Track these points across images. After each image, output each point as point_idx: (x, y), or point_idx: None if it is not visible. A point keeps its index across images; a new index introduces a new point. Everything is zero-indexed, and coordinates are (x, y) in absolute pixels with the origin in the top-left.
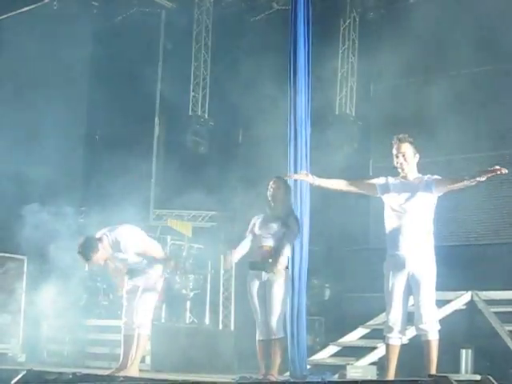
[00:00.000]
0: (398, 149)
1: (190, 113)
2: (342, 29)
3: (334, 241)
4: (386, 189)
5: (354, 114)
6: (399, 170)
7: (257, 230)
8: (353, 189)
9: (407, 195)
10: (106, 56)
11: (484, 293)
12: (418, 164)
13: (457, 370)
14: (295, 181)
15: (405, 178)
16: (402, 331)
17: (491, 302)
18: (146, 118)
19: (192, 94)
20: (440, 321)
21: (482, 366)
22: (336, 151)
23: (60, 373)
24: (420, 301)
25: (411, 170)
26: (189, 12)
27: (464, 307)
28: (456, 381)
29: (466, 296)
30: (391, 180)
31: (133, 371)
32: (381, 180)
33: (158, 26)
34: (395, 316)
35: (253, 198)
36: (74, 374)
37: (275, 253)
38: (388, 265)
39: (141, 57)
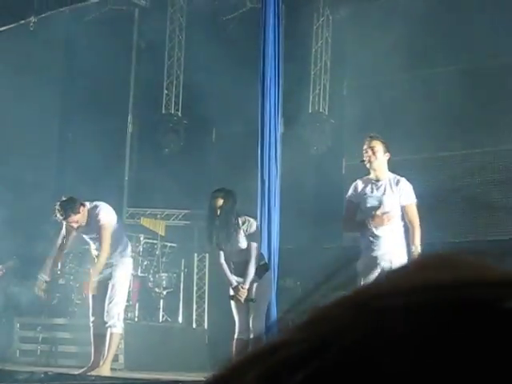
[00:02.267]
0: (369, 144)
1: (164, 111)
2: (315, 28)
3: (306, 238)
4: (358, 197)
5: (327, 112)
6: (367, 165)
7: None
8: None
9: (379, 195)
10: (80, 55)
11: None
12: (389, 162)
13: None
14: (262, 172)
15: (375, 178)
16: None
17: None
18: (119, 116)
19: (165, 92)
20: None
21: None
22: (309, 150)
23: (32, 372)
24: None
25: (380, 167)
26: (162, 10)
27: None
28: None
29: None
30: (360, 186)
31: (105, 370)
32: (353, 197)
33: (132, 24)
34: None
35: None
36: (45, 373)
37: (246, 268)
38: (361, 263)
39: (114, 55)
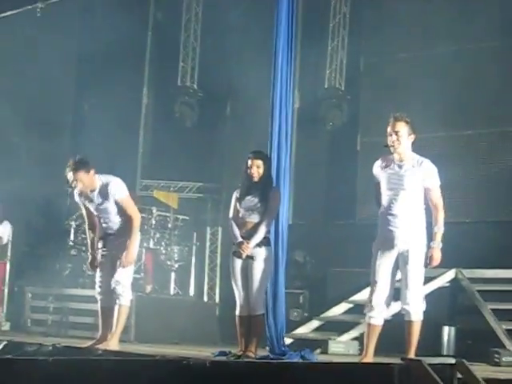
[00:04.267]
0: (393, 127)
1: (179, 83)
2: (333, 2)
3: (319, 214)
4: (380, 174)
5: (343, 88)
6: (391, 149)
7: (238, 206)
8: None
9: (400, 176)
10: (94, 26)
11: (468, 270)
12: (414, 144)
13: (438, 348)
14: (271, 149)
15: (399, 159)
16: (385, 311)
17: (475, 280)
18: (134, 87)
19: (181, 64)
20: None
21: (464, 345)
22: (324, 125)
23: (40, 344)
24: (408, 281)
25: (404, 151)
26: None
27: (447, 285)
28: (430, 364)
29: (450, 273)
30: (383, 163)
31: (113, 344)
32: (376, 172)
33: None
34: (379, 296)
35: (240, 170)
36: (53, 345)
37: (256, 228)
38: (377, 243)
39: (130, 27)
